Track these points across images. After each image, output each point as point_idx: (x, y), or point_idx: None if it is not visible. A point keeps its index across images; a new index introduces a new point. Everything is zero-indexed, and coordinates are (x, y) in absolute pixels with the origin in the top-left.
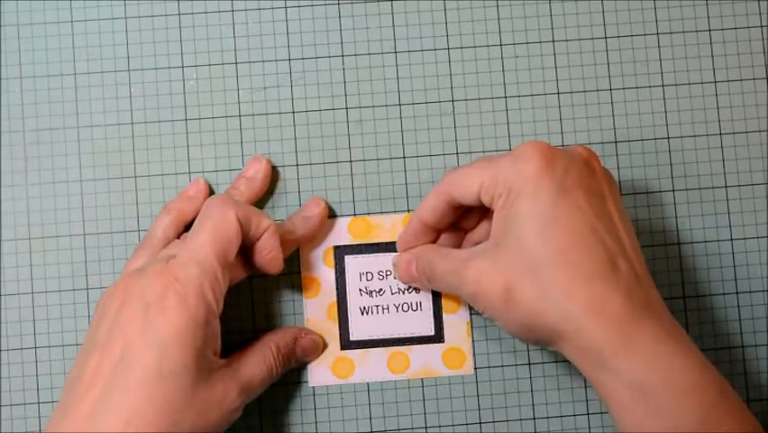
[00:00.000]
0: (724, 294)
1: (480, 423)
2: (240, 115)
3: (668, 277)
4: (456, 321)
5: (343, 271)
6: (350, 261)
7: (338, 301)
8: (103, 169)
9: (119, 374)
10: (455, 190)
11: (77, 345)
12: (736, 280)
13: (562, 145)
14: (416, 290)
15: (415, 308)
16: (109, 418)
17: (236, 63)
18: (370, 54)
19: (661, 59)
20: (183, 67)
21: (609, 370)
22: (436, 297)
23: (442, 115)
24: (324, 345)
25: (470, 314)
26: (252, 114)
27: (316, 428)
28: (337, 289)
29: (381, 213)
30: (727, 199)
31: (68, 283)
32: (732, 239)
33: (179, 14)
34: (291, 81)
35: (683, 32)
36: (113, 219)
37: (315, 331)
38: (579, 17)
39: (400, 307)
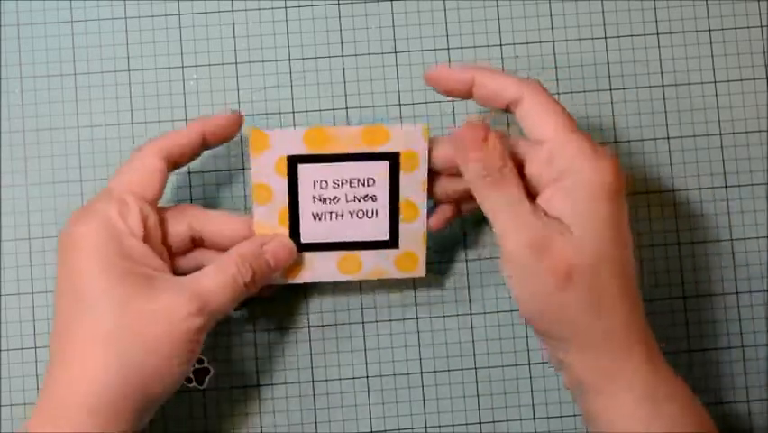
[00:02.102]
0: (724, 294)
1: (480, 423)
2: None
3: (668, 277)
4: (413, 229)
5: (296, 179)
6: (303, 169)
7: (290, 208)
8: (103, 169)
9: (56, 335)
10: (489, 81)
11: None
12: (735, 280)
13: None
14: (373, 198)
15: (370, 216)
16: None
17: (236, 63)
18: (370, 54)
19: (661, 59)
20: (183, 67)
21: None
22: (394, 206)
23: (441, 116)
24: (293, 252)
25: (426, 223)
26: (252, 114)
27: (316, 429)
28: (290, 195)
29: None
30: (727, 199)
31: None
32: (732, 239)
33: (179, 14)
34: (291, 81)
35: (683, 32)
36: None
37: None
38: (579, 17)
39: (355, 214)
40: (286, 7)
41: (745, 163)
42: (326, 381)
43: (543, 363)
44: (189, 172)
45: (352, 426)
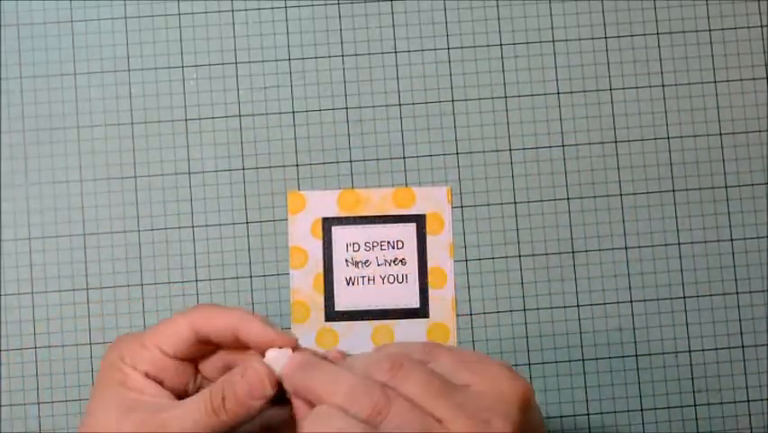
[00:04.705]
0: (724, 294)
1: None
2: (240, 115)
3: (668, 277)
4: (441, 296)
5: (330, 242)
6: (337, 231)
7: (324, 272)
8: (103, 169)
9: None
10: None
11: (77, 345)
12: (736, 280)
13: (562, 146)
14: (403, 262)
15: (401, 281)
16: None
17: (236, 63)
18: (370, 54)
19: (661, 59)
20: (183, 67)
21: None
22: (423, 270)
23: (442, 115)
24: (272, 381)
25: (455, 290)
26: (252, 114)
27: None
28: (324, 259)
29: (369, 187)
30: (727, 199)
31: (68, 283)
32: (732, 239)
33: (179, 14)
34: (291, 81)
35: (683, 32)
36: (113, 219)
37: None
38: (579, 17)
39: (386, 278)
40: (286, 7)
41: (745, 163)
42: None
43: (542, 362)
44: (189, 172)
45: None
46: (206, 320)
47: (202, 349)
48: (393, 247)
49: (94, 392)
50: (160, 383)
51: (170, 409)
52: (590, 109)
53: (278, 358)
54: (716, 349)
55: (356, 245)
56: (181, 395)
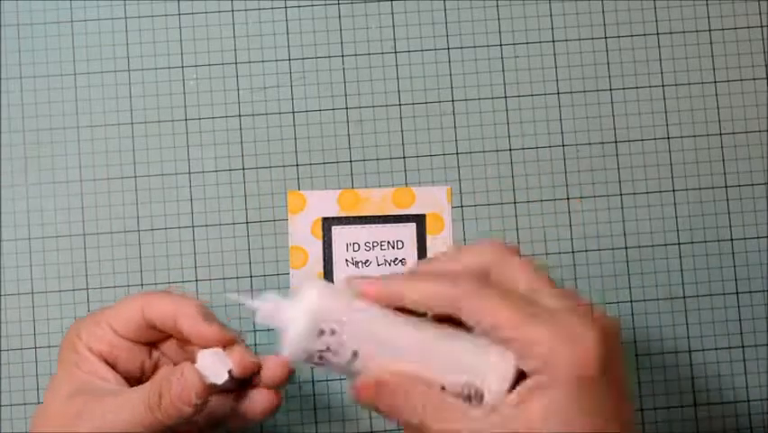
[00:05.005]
0: (724, 294)
1: None
2: (240, 115)
3: (668, 277)
4: None
5: (330, 242)
6: (337, 231)
7: (324, 272)
8: (103, 169)
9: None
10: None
11: None
12: (736, 280)
13: (562, 146)
14: (403, 262)
15: None
16: None
17: (236, 63)
18: (370, 54)
19: (661, 59)
20: (183, 67)
21: None
22: None
23: (442, 115)
24: (198, 391)
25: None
26: (252, 114)
27: (316, 429)
28: (324, 259)
29: (369, 187)
30: (727, 199)
31: (68, 283)
32: (732, 239)
33: (179, 14)
34: (291, 81)
35: (683, 32)
36: (113, 219)
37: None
38: (579, 17)
39: None
40: (286, 7)
41: (745, 163)
42: (327, 380)
43: None
44: (190, 172)
45: (352, 426)
46: (152, 305)
47: (155, 335)
48: (393, 247)
49: (54, 372)
50: (114, 364)
51: (114, 397)
52: (590, 109)
53: (208, 359)
54: (716, 349)
55: (356, 245)
56: (135, 377)
